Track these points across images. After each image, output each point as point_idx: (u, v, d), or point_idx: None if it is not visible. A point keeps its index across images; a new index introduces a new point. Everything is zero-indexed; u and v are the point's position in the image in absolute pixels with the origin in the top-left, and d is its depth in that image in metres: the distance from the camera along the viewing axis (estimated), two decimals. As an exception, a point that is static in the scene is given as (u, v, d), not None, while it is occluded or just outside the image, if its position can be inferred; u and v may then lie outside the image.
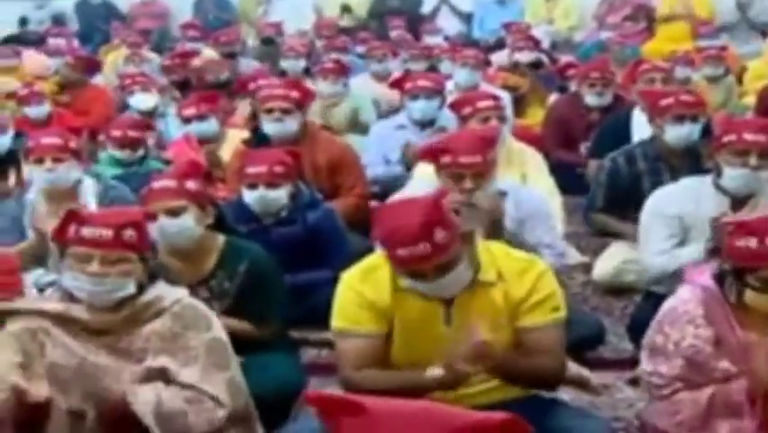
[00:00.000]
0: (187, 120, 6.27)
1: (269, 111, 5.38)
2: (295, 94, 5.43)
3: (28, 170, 4.91)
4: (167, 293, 3.15)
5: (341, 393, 2.67)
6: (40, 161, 4.69)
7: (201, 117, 6.23)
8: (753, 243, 2.93)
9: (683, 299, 3.12)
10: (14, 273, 3.85)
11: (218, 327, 3.18)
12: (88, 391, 3.02)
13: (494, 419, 2.06)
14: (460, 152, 3.86)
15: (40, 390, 2.98)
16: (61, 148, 4.69)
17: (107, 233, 3.01)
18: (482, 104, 4.94)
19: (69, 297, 3.10)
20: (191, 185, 3.74)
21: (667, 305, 3.16)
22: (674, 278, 3.60)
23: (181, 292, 3.20)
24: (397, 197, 4.04)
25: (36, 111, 7.12)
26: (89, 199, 4.73)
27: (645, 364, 3.17)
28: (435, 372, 2.90)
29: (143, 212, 3.31)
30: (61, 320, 3.08)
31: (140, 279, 3.09)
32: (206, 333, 3.13)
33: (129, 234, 3.04)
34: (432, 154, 3.98)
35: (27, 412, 2.97)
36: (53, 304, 3.12)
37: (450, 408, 2.10)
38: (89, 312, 3.08)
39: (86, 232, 3.02)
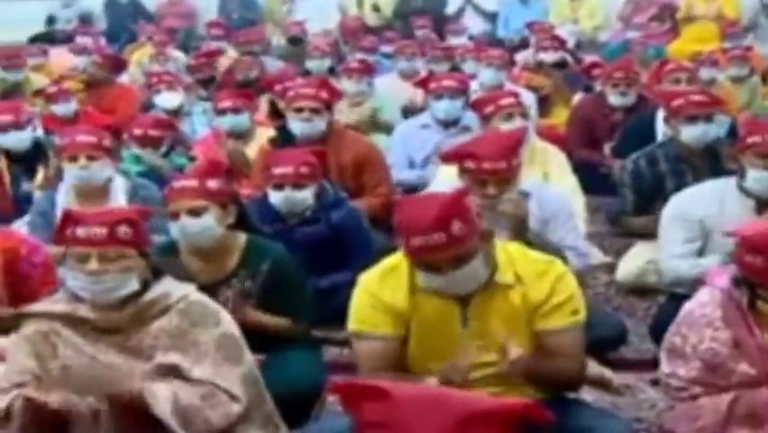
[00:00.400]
0: (221, 112, 6.30)
1: (299, 110, 5.38)
2: (324, 94, 5.44)
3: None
4: (173, 289, 3.15)
5: (363, 379, 2.69)
6: (73, 158, 4.72)
7: (236, 110, 6.26)
8: (759, 261, 2.91)
9: (701, 302, 3.11)
10: (55, 270, 3.89)
11: (228, 322, 3.17)
12: (101, 390, 3.01)
13: (516, 403, 2.08)
14: (484, 158, 3.80)
15: (54, 395, 2.98)
16: (95, 146, 4.73)
17: (101, 231, 3.03)
18: (505, 101, 4.93)
19: (75, 297, 3.12)
20: (212, 184, 3.73)
21: (686, 307, 3.15)
22: (697, 281, 3.59)
23: (188, 288, 3.19)
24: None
25: (63, 109, 7.17)
26: (120, 197, 4.76)
27: (664, 366, 3.17)
28: (431, 382, 2.88)
29: (140, 210, 3.30)
30: (70, 321, 3.10)
31: (142, 275, 3.10)
32: (215, 328, 3.12)
33: (123, 230, 3.05)
34: (456, 158, 3.93)
35: (48, 417, 2.98)
36: (60, 305, 3.14)
37: (472, 393, 2.12)
38: (94, 311, 3.09)
39: (81, 231, 3.04)
